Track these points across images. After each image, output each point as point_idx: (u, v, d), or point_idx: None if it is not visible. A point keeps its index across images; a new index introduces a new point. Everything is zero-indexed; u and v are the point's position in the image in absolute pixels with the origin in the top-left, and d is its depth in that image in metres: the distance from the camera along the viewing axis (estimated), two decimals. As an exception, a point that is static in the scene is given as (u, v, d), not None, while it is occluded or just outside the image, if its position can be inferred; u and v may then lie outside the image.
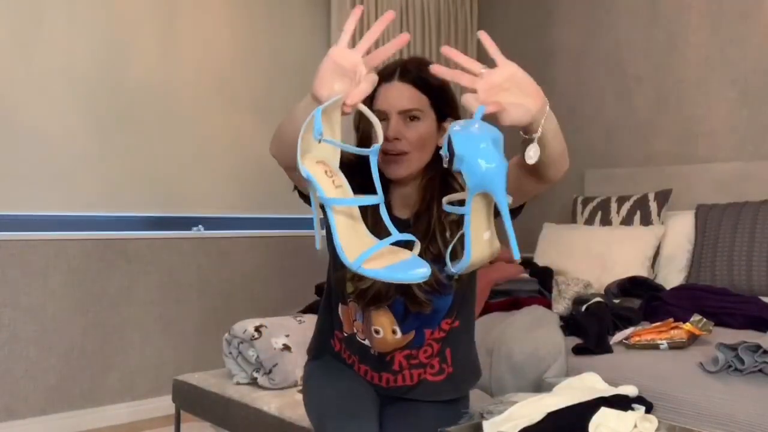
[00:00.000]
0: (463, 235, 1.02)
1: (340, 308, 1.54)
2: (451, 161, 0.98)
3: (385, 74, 1.36)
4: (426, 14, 4.21)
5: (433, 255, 1.39)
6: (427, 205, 1.41)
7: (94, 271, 3.14)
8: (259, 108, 3.70)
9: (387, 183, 1.44)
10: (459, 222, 1.40)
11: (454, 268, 1.05)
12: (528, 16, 4.22)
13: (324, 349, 1.61)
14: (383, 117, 1.34)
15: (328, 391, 1.52)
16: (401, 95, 1.35)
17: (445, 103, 1.40)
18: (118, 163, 3.22)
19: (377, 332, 1.48)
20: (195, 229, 3.54)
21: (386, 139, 1.31)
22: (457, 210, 1.00)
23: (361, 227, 1.01)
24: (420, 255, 1.26)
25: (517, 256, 1.00)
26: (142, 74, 3.29)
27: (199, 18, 3.48)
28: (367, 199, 0.99)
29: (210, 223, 3.59)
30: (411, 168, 1.37)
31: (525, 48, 4.20)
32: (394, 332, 1.47)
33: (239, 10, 3.63)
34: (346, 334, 1.54)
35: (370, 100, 1.36)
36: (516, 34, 4.27)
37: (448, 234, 1.39)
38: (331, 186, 0.99)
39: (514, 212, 1.36)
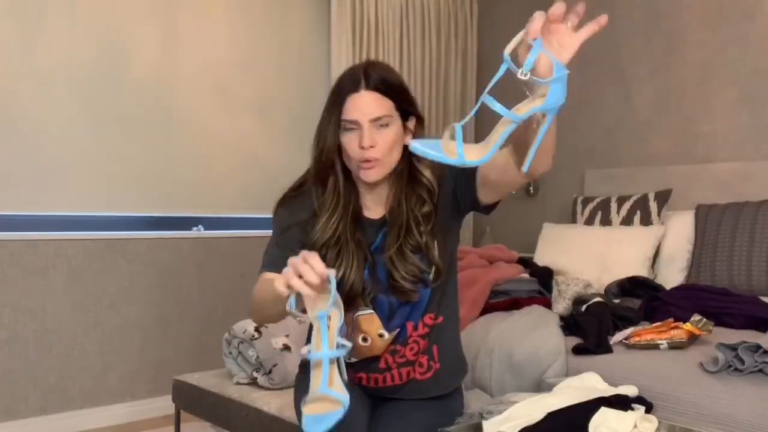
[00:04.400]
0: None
1: None
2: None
3: (350, 84, 1.40)
4: (426, 14, 4.21)
5: (412, 246, 1.44)
6: (398, 201, 1.47)
7: (94, 271, 3.14)
8: (259, 108, 3.70)
9: (356, 186, 1.49)
10: (430, 214, 1.46)
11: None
12: (528, 16, 4.20)
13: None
14: (355, 126, 1.39)
15: None
16: (370, 103, 1.38)
17: (407, 103, 1.45)
18: (118, 163, 3.22)
19: (365, 340, 1.49)
20: (195, 229, 3.54)
21: (361, 147, 1.38)
22: (510, 115, 1.05)
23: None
24: (399, 246, 1.43)
25: (526, 169, 1.10)
26: (142, 74, 3.29)
27: (199, 18, 3.48)
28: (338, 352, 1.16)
29: (210, 223, 3.59)
30: (385, 171, 1.43)
31: (525, 48, 4.20)
32: (381, 335, 1.48)
33: (239, 11, 3.63)
34: None
35: (339, 113, 1.40)
36: (516, 34, 4.26)
37: (422, 227, 1.45)
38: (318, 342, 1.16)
39: (490, 208, 1.43)
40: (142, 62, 3.29)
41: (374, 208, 1.51)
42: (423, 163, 1.46)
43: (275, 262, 1.41)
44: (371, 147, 1.38)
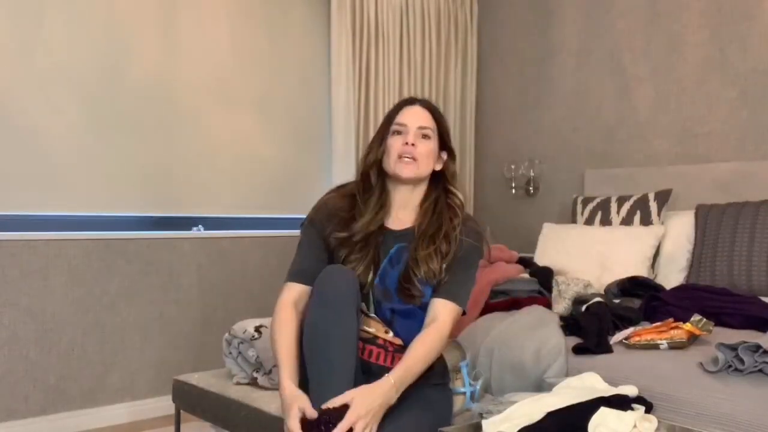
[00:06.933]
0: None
1: None
2: None
3: (407, 101, 1.75)
4: (426, 14, 4.20)
5: (443, 251, 1.65)
6: (435, 212, 1.70)
7: (94, 271, 3.14)
8: (259, 108, 3.70)
9: (387, 203, 1.72)
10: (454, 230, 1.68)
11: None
12: (528, 16, 4.22)
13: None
14: (403, 129, 1.68)
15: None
16: (420, 115, 1.71)
17: (446, 134, 1.75)
18: (118, 163, 3.22)
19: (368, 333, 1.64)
20: (195, 229, 3.54)
21: (405, 143, 1.66)
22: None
23: None
24: (431, 247, 1.64)
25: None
26: (142, 74, 3.29)
27: (199, 18, 3.48)
28: None
29: (210, 223, 3.59)
30: (418, 172, 1.69)
31: (525, 48, 4.21)
32: (386, 332, 1.64)
33: (239, 10, 3.63)
34: None
35: (390, 122, 1.71)
36: (516, 34, 4.27)
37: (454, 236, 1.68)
38: None
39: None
40: (142, 62, 3.29)
41: (399, 220, 1.72)
42: (455, 187, 1.76)
43: (302, 271, 1.75)
44: (413, 146, 1.65)
